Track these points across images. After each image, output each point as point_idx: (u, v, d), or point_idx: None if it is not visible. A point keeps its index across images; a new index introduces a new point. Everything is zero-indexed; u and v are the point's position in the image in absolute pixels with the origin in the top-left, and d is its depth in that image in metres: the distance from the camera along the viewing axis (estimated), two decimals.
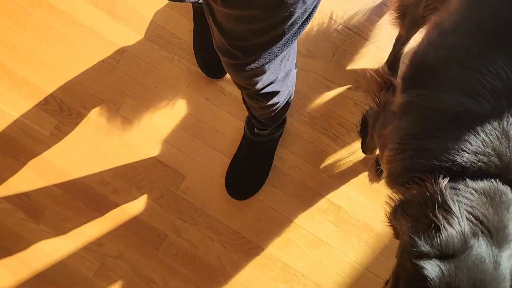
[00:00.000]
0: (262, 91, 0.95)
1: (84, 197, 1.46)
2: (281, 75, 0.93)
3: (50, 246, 1.45)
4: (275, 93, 1.01)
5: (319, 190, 1.45)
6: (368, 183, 1.43)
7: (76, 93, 1.48)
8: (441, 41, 0.90)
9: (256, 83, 0.90)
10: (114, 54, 1.49)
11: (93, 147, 1.47)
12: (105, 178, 1.46)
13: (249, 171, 1.42)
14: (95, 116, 1.47)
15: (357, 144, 1.46)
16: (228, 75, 1.47)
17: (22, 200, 1.46)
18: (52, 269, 1.44)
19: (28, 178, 1.46)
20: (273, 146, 1.43)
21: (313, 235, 1.44)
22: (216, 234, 1.45)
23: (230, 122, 1.48)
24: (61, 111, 1.47)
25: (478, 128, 0.77)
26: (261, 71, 0.84)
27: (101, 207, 1.46)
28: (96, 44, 1.50)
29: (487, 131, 0.76)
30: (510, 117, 0.76)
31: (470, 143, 0.76)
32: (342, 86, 1.47)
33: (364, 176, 1.45)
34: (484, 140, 0.76)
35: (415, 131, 0.86)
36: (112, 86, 1.48)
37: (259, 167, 1.43)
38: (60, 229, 1.45)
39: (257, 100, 1.05)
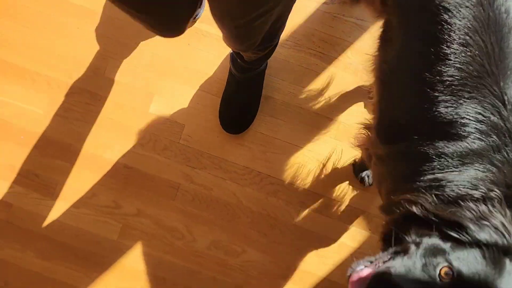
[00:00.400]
0: (261, 46, 1.01)
1: (91, 165, 1.48)
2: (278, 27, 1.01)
3: (70, 218, 1.48)
4: (271, 44, 1.06)
5: (316, 110, 1.48)
6: (363, 93, 1.46)
7: (59, 65, 1.48)
8: (401, 101, 0.92)
9: (258, 41, 0.97)
10: (87, 19, 1.49)
11: (88, 114, 1.48)
12: (107, 142, 1.48)
13: (239, 104, 1.44)
14: (83, 84, 1.48)
15: (343, 58, 1.47)
16: (203, 15, 1.47)
17: (32, 180, 1.48)
18: (78, 240, 1.48)
19: (32, 158, 1.48)
20: (260, 78, 1.44)
21: (319, 154, 1.48)
22: (226, 173, 1.49)
23: (215, 62, 1.48)
24: (49, 86, 1.48)
25: (490, 160, 0.80)
26: (263, 30, 0.93)
27: (110, 171, 1.48)
28: (68, 13, 1.49)
29: (500, 163, 0.80)
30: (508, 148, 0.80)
31: (494, 174, 0.79)
32: (317, 2, 1.47)
33: (358, 88, 1.48)
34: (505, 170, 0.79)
35: (408, 172, 0.87)
36: (93, 50, 1.48)
37: (249, 99, 1.45)
38: (75, 200, 1.48)
39: (253, 52, 1.09)
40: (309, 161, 1.48)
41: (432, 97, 0.84)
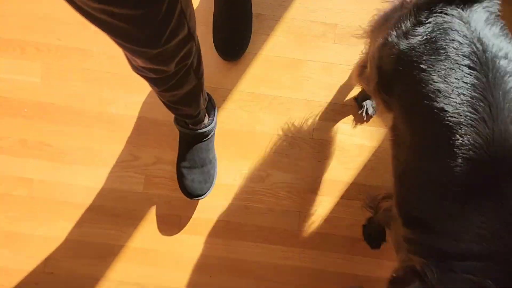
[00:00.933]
0: None
1: (99, 123, 1.47)
2: None
3: (92, 180, 1.48)
4: None
5: (310, 17, 1.45)
6: None
7: (45, 29, 1.45)
8: (415, 199, 0.91)
9: None
10: None
11: (85, 73, 1.46)
12: (110, 97, 1.47)
13: (232, 26, 1.41)
14: (72, 43, 1.45)
15: None
16: None
17: (46, 151, 1.48)
18: (104, 199, 1.49)
19: (41, 128, 1.47)
20: None
21: (321, 62, 1.47)
22: (234, 103, 1.48)
23: None
24: (40, 52, 1.45)
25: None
26: None
27: (119, 125, 1.48)
28: None
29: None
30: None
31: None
32: None
33: None
34: None
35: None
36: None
37: (239, 17, 1.41)
38: (93, 162, 1.48)
39: None
40: (314, 71, 1.47)
41: (445, 203, 0.85)
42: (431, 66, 0.84)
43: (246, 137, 1.48)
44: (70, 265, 1.49)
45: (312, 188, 1.49)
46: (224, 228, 1.49)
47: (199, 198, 1.43)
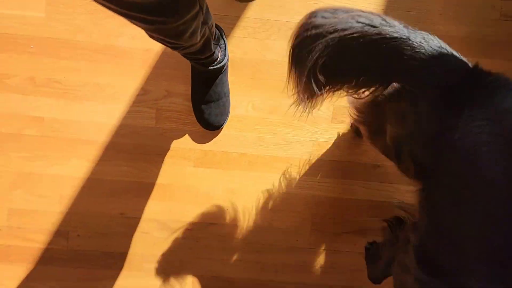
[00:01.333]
0: None
1: (107, 57, 1.45)
2: None
3: (102, 116, 1.47)
4: None
5: None
6: None
7: None
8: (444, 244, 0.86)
9: None
10: None
11: (90, 4, 1.43)
12: (116, 29, 1.44)
13: None
14: None
15: None
16: None
17: (56, 88, 1.46)
18: (116, 135, 1.47)
19: (49, 65, 1.45)
20: None
21: None
22: (243, 30, 1.45)
23: None
24: None
25: None
26: None
27: (129, 58, 1.45)
28: None
29: None
30: None
31: None
32: None
33: None
34: None
35: None
36: None
37: None
38: (103, 97, 1.46)
39: None
40: None
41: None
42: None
43: (256, 65, 1.46)
44: (84, 203, 1.48)
45: (325, 116, 1.48)
46: (238, 160, 1.48)
47: (217, 129, 1.45)
